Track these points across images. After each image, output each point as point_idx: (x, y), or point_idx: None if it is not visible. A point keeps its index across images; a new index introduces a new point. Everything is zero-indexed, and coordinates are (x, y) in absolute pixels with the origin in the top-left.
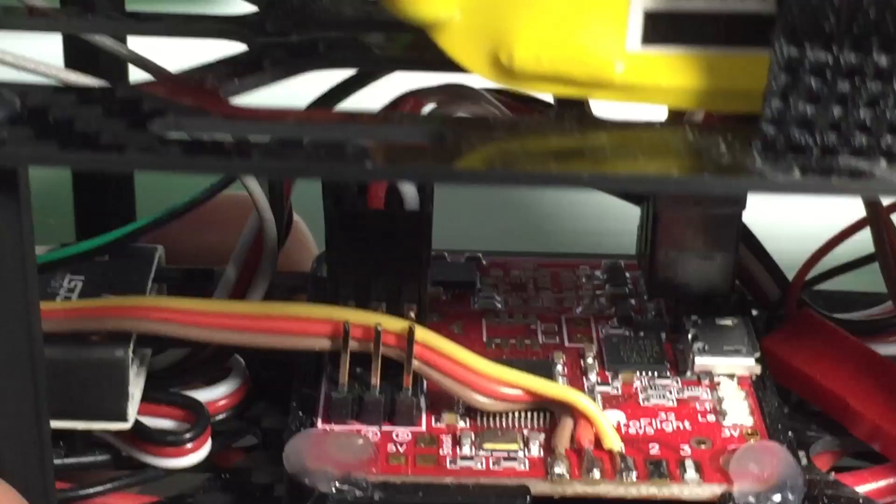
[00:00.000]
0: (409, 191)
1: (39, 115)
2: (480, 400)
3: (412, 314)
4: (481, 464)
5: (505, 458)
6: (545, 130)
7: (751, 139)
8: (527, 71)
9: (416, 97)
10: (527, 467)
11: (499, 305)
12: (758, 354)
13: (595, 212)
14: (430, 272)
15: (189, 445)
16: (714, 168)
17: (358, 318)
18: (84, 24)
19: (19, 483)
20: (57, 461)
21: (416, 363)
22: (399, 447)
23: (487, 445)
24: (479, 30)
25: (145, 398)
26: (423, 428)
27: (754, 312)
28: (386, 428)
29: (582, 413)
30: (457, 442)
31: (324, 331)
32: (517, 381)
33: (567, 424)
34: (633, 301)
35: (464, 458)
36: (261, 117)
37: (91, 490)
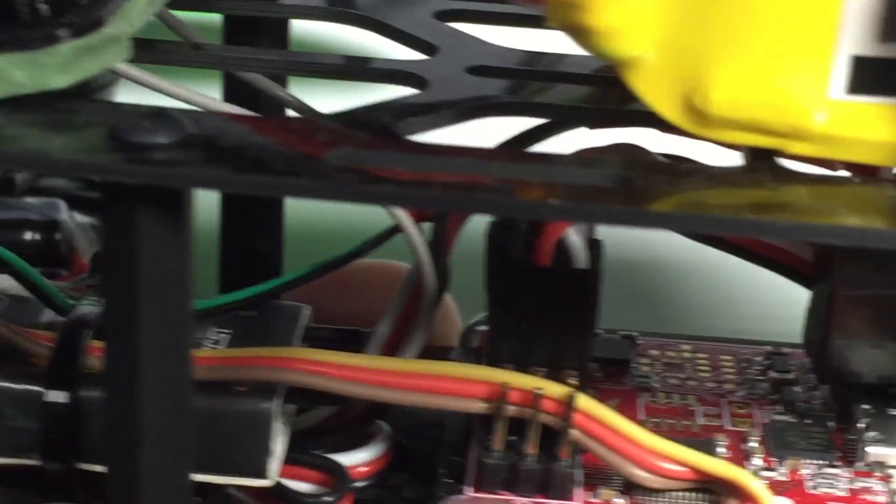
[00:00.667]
0: (577, 247)
1: (211, 140)
2: (640, 474)
3: (573, 381)
4: None
5: None
6: (738, 180)
7: None
8: (722, 116)
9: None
10: None
11: (655, 384)
12: None
13: (756, 296)
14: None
15: None
16: None
17: (518, 380)
18: (247, 61)
19: None
20: None
21: (575, 432)
22: None
23: None
24: (674, 70)
25: (288, 459)
26: (580, 502)
27: None
28: (539, 500)
29: (750, 495)
30: None
31: (480, 393)
32: (681, 457)
33: None
34: (798, 388)
35: None
36: (439, 153)
37: None
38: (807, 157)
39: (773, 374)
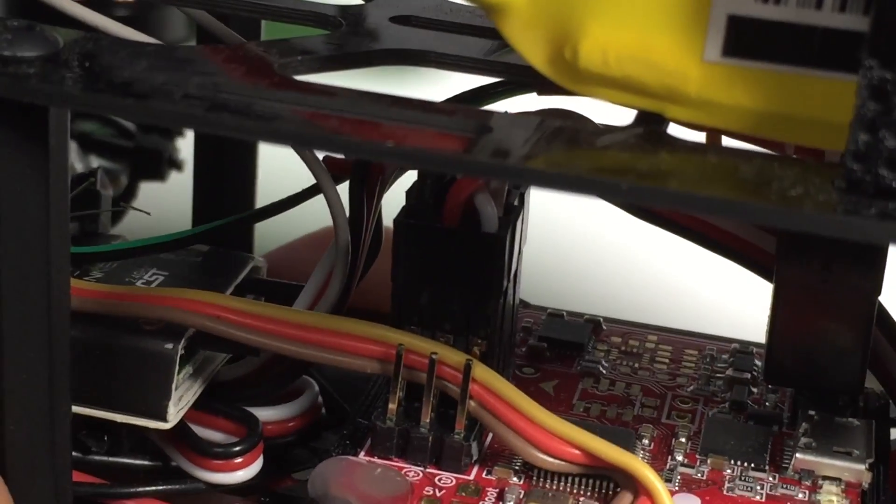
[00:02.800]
0: (487, 211)
1: (81, 60)
2: (535, 454)
3: (477, 350)
4: None
5: None
6: (604, 142)
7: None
8: (591, 71)
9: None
10: None
11: (602, 370)
12: (871, 461)
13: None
14: (509, 313)
15: (237, 460)
16: (779, 200)
17: (414, 343)
18: None
19: (25, 465)
20: (96, 457)
21: (471, 404)
22: (437, 491)
23: None
24: (545, 19)
25: (203, 407)
26: (472, 476)
27: None
28: (431, 470)
29: (644, 487)
30: (501, 497)
31: (375, 353)
32: (578, 440)
33: (625, 498)
34: (753, 389)
35: None
36: (302, 90)
37: (122, 490)
38: (687, 122)
39: (730, 373)
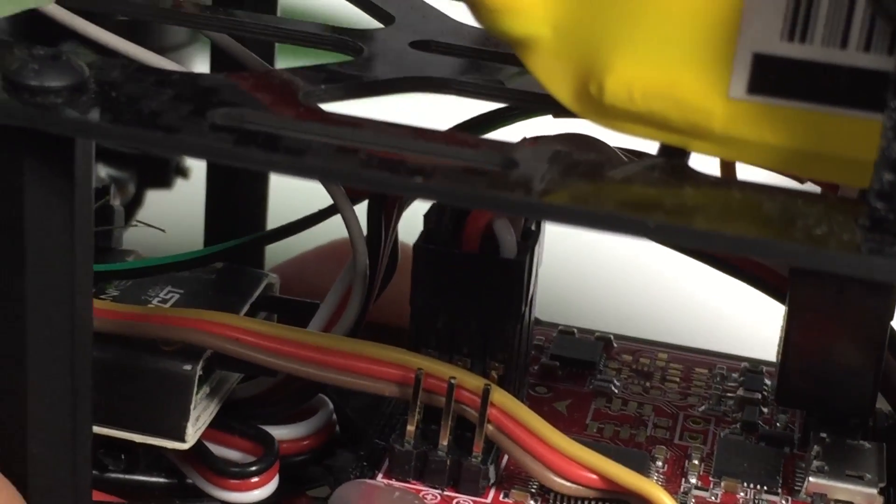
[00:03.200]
0: (506, 237)
1: (107, 89)
2: (551, 478)
3: (495, 374)
4: None
5: None
6: (628, 176)
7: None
8: (616, 107)
9: (533, 143)
10: None
11: (614, 390)
12: (883, 485)
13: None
14: (525, 336)
15: (254, 480)
16: (803, 238)
17: (433, 367)
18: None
19: (46, 486)
20: (113, 475)
21: (489, 428)
22: None
23: None
24: (571, 53)
25: (218, 426)
26: (489, 499)
27: None
28: (449, 493)
29: None
30: None
31: (394, 376)
32: (594, 465)
33: None
34: (764, 409)
35: None
36: (329, 121)
37: None
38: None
39: (740, 393)
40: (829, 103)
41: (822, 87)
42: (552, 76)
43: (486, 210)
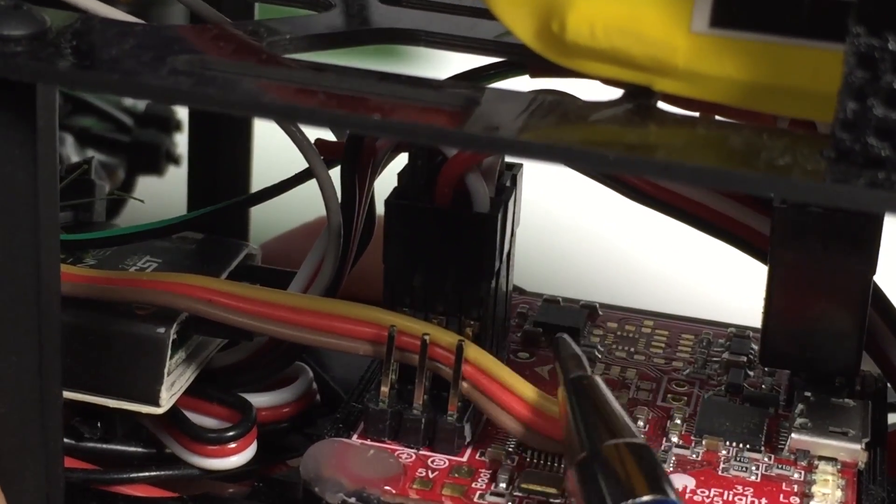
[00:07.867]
0: (479, 191)
1: (69, 38)
2: (520, 430)
3: (469, 331)
4: (511, 503)
5: (539, 502)
6: (592, 115)
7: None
8: (579, 44)
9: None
10: None
11: (598, 354)
12: (867, 440)
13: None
14: (503, 295)
15: (230, 446)
16: (768, 169)
17: (405, 324)
18: None
19: (15, 449)
20: (89, 444)
21: (464, 385)
22: (430, 473)
23: (524, 485)
24: None
25: (197, 393)
26: (465, 458)
27: None
28: (424, 452)
29: None
30: (494, 478)
31: (367, 335)
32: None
33: None
34: (750, 372)
35: (495, 493)
36: (291, 68)
37: (115, 476)
38: (675, 95)
39: (726, 356)
40: (791, 35)
41: (784, 18)
42: (514, 16)
43: (453, 157)
